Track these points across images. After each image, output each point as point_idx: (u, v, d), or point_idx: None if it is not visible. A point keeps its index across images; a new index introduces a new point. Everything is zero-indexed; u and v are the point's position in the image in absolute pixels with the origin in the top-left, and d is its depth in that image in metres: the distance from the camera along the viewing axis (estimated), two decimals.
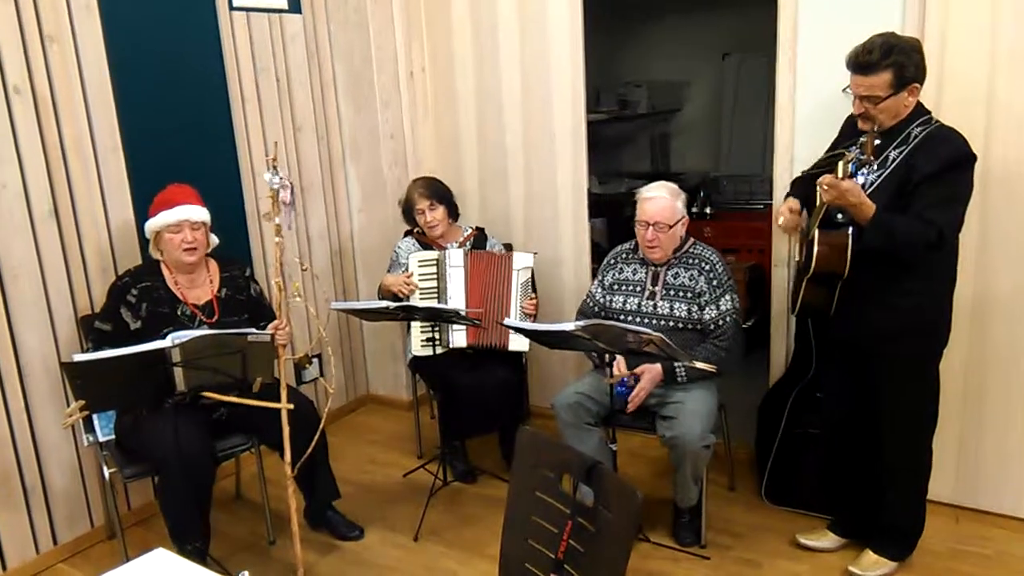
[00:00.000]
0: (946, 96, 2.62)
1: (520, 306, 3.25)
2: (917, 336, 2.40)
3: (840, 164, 2.20)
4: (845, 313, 2.44)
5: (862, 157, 2.22)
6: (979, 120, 2.58)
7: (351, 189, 4.08)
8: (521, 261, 3.30)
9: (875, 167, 2.31)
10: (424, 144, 4.01)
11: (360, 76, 3.88)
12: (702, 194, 5.49)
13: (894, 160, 2.29)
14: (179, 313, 2.74)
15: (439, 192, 3.36)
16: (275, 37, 3.60)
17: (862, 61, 2.23)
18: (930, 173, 2.20)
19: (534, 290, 3.34)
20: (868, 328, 2.42)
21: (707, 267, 2.86)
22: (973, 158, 2.24)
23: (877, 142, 2.25)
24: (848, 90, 2.31)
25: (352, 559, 2.90)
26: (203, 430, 2.66)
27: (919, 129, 2.28)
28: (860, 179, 2.30)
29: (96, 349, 2.61)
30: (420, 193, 3.33)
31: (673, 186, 2.90)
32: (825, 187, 2.23)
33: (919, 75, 2.24)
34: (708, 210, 5.38)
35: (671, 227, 2.82)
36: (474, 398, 3.17)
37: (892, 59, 2.20)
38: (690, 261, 2.89)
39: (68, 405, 2.85)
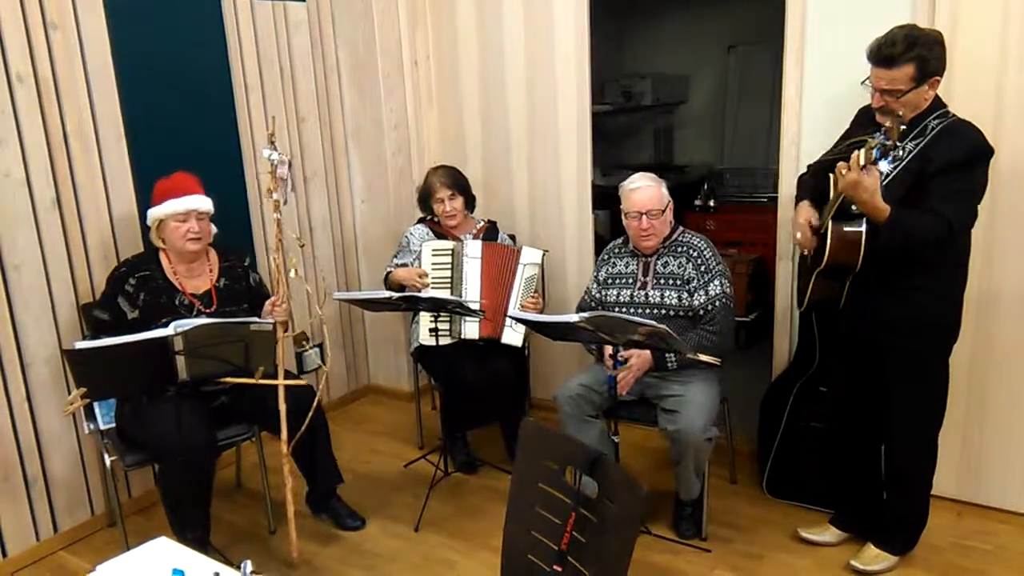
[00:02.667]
0: (955, 90, 2.60)
1: (520, 303, 3.23)
2: (931, 330, 2.39)
3: (863, 151, 2.13)
4: (857, 307, 2.43)
5: (887, 143, 2.13)
6: (988, 115, 2.55)
7: (354, 178, 4.07)
8: (528, 256, 3.29)
9: (900, 154, 2.26)
10: (428, 134, 3.99)
11: (364, 64, 3.86)
12: (706, 187, 5.48)
13: (910, 152, 2.28)
14: (177, 303, 2.74)
15: (459, 183, 3.36)
16: (279, 25, 3.59)
17: (885, 54, 2.20)
18: (945, 166, 2.19)
19: (541, 291, 3.32)
20: (881, 322, 2.40)
21: (695, 254, 2.85)
22: (990, 152, 2.22)
23: (903, 127, 2.19)
24: (867, 83, 2.28)
25: (353, 548, 2.90)
26: (204, 419, 2.65)
27: (936, 122, 2.26)
28: (884, 166, 2.24)
29: (94, 338, 2.61)
30: (441, 182, 3.32)
31: (651, 174, 2.91)
32: (843, 173, 2.17)
33: (940, 68, 2.22)
34: (711, 203, 5.37)
35: (663, 212, 2.82)
36: (476, 389, 3.17)
37: (915, 52, 2.17)
38: (679, 249, 2.89)
39: (69, 393, 2.85)
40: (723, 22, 5.61)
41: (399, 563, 2.81)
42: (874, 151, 2.11)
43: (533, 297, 3.24)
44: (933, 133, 2.25)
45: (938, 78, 2.23)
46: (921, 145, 2.26)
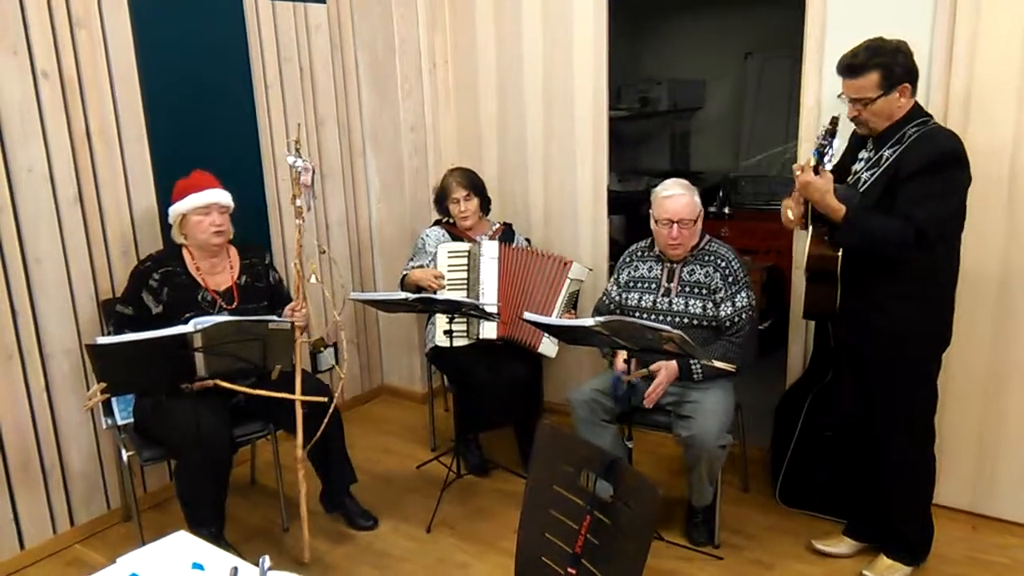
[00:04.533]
0: (975, 99, 2.59)
1: (559, 316, 3.23)
2: (910, 341, 2.38)
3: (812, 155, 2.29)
4: (844, 315, 2.44)
5: (823, 142, 2.29)
6: (1009, 124, 2.55)
7: (371, 179, 4.09)
8: (577, 272, 3.30)
9: (830, 148, 2.35)
10: (445, 136, 4.01)
11: (383, 66, 3.88)
12: (721, 194, 5.47)
13: (887, 160, 2.31)
14: (199, 299, 2.76)
15: (475, 184, 3.39)
16: (299, 26, 3.62)
17: (848, 63, 2.29)
18: (913, 170, 2.22)
19: (574, 305, 3.34)
20: (862, 330, 2.42)
21: (722, 264, 2.85)
22: (959, 157, 2.23)
23: (834, 126, 2.31)
24: (843, 96, 2.33)
25: (365, 548, 2.92)
26: (222, 416, 2.68)
27: (914, 130, 2.28)
28: (828, 164, 2.34)
29: (118, 332, 2.64)
30: (457, 183, 3.35)
31: (685, 181, 2.91)
32: (797, 174, 2.31)
33: (908, 76, 2.26)
34: (727, 210, 5.36)
35: (695, 222, 2.81)
36: (490, 391, 3.18)
37: (878, 60, 2.24)
38: (706, 258, 2.88)
39: (88, 388, 2.88)
40: (741, 29, 5.61)
41: (411, 563, 2.82)
42: (813, 152, 2.26)
43: (570, 313, 3.25)
44: (909, 141, 2.27)
45: (908, 85, 2.26)
46: (897, 152, 2.28)
